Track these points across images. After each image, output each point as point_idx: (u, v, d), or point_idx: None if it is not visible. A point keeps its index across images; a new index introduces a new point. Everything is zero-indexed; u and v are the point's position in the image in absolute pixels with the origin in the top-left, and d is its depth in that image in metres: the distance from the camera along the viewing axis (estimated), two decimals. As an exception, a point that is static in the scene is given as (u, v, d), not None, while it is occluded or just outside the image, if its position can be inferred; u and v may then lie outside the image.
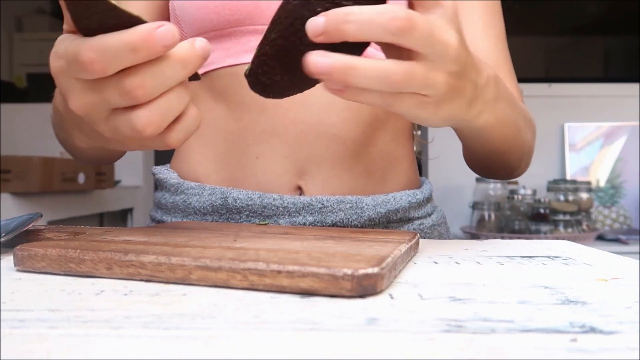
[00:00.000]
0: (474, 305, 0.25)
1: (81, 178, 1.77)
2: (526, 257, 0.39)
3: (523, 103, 0.62)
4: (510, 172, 0.61)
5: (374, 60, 0.32)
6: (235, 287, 0.28)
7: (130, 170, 2.44)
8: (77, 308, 0.24)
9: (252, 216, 0.54)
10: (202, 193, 0.56)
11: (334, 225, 0.53)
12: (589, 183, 1.82)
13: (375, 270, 0.27)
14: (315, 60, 0.31)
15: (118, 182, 2.22)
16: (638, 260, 0.38)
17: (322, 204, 0.53)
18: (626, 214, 1.91)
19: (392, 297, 0.27)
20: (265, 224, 0.51)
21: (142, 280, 0.30)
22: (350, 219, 0.54)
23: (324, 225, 0.53)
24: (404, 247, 0.34)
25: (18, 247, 0.33)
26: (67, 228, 0.43)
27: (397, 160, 0.61)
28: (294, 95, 0.54)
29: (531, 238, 1.37)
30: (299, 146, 0.55)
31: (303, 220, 0.53)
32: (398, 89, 0.33)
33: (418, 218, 0.60)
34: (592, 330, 0.22)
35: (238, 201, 0.54)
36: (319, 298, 0.26)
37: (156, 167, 0.64)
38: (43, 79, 2.82)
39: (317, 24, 0.31)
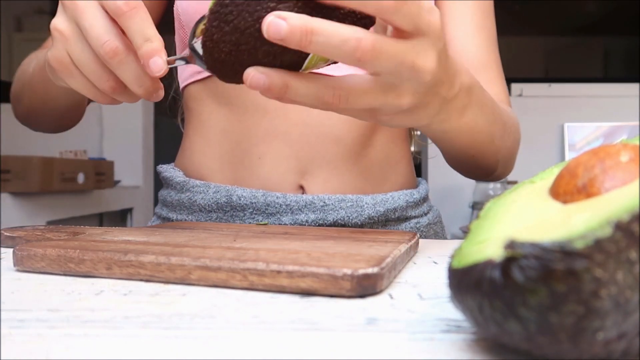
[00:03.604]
0: (473, 305, 0.25)
1: (81, 178, 1.77)
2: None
3: (509, 106, 0.62)
4: (485, 174, 0.59)
5: (314, 77, 0.32)
6: (235, 287, 0.28)
7: (129, 171, 2.44)
8: (76, 308, 0.24)
9: (255, 213, 0.55)
10: (207, 191, 0.57)
11: (334, 222, 0.54)
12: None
13: (375, 270, 0.27)
14: (252, 76, 0.32)
15: (117, 182, 2.23)
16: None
17: (324, 202, 0.54)
18: (626, 214, 1.91)
19: (391, 297, 0.27)
20: (265, 224, 0.51)
21: (141, 280, 0.30)
22: (350, 217, 0.54)
23: (325, 223, 0.54)
24: (403, 247, 0.34)
25: (17, 247, 0.33)
26: (66, 228, 0.43)
27: (394, 161, 0.61)
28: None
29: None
30: (300, 147, 0.56)
31: (305, 218, 0.54)
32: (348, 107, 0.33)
33: (415, 217, 0.61)
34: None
35: (242, 199, 0.55)
36: (318, 298, 0.26)
37: (162, 165, 0.65)
38: (43, 79, 2.82)
39: (278, 28, 0.29)
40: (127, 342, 0.20)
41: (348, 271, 0.26)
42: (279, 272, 0.27)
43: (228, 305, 0.25)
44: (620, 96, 2.21)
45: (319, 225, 0.54)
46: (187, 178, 0.60)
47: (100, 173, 1.92)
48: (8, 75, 3.31)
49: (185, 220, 0.58)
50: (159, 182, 0.65)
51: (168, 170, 0.62)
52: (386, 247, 0.33)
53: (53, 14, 0.38)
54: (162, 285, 0.29)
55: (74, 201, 1.82)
